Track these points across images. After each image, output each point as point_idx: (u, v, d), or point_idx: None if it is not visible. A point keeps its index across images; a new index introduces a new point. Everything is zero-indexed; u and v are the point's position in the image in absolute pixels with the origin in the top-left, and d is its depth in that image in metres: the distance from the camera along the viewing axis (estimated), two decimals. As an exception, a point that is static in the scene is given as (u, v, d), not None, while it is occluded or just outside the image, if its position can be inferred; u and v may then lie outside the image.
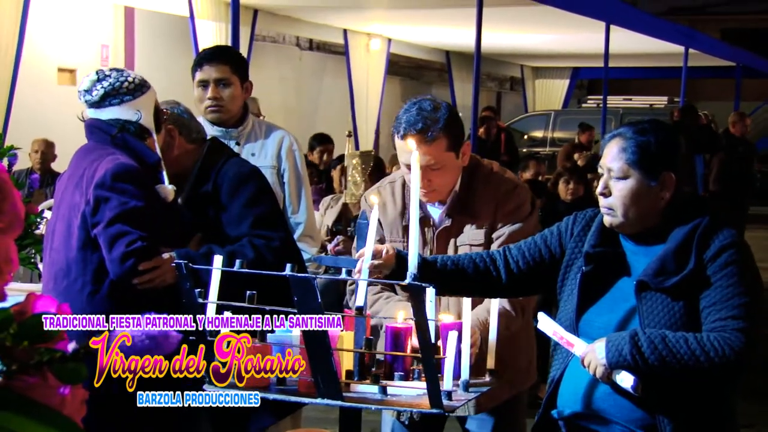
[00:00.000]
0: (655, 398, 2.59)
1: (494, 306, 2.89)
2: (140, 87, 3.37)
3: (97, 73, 3.36)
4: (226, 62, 4.16)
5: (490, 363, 2.84)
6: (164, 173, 3.41)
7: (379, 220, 3.32)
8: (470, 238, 3.27)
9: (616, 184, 2.65)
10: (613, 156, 2.66)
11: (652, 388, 2.57)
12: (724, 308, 2.53)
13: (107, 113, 3.36)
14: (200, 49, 9.17)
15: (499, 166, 3.43)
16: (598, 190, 2.69)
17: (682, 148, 2.71)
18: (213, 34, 9.54)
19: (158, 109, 3.45)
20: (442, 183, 3.23)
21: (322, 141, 9.99)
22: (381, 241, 3.31)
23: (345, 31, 12.98)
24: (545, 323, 2.75)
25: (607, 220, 2.70)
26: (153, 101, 3.42)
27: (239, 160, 3.70)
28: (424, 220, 3.31)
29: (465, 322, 2.70)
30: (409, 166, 3.16)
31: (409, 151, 3.09)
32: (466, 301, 2.74)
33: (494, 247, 3.21)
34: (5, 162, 4.71)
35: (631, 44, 13.75)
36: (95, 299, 3.25)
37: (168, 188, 3.38)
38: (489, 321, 2.94)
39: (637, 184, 2.63)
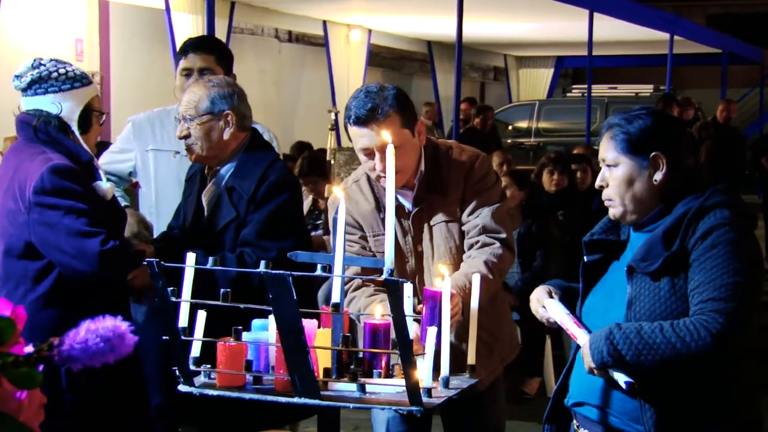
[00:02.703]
0: (644, 390, 2.58)
1: (474, 303, 2.82)
2: (72, 80, 3.26)
3: (34, 60, 3.25)
4: (212, 52, 4.15)
5: (471, 359, 2.79)
6: (100, 171, 3.31)
7: (357, 220, 3.36)
8: (444, 215, 3.30)
9: (611, 173, 2.72)
10: (605, 147, 2.74)
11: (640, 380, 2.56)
12: (707, 290, 2.50)
13: (31, 102, 3.26)
14: (177, 42, 9.12)
15: (457, 144, 3.45)
16: (597, 183, 2.76)
17: (673, 130, 2.73)
18: (190, 26, 9.48)
19: (90, 109, 3.32)
20: (404, 164, 3.21)
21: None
22: (363, 238, 3.37)
23: (324, 22, 12.91)
24: (553, 309, 2.79)
25: (611, 212, 2.76)
26: (87, 98, 3.30)
27: (284, 165, 3.71)
28: (399, 210, 3.30)
29: (444, 318, 2.62)
30: (365, 152, 3.21)
31: (363, 137, 3.17)
32: (445, 297, 2.65)
33: (465, 215, 3.28)
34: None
35: (616, 32, 13.70)
36: (38, 303, 3.18)
37: (106, 186, 3.28)
38: (468, 286, 2.98)
39: (628, 168, 2.68)
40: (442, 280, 2.67)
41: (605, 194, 2.73)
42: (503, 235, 3.27)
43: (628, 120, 2.70)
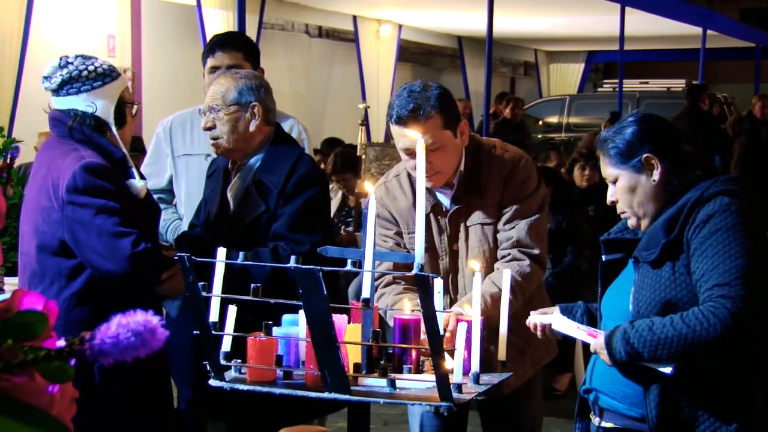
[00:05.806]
0: (648, 378, 2.61)
1: (504, 298, 2.81)
2: (102, 76, 3.22)
3: (60, 59, 3.22)
4: (239, 49, 4.12)
5: (501, 355, 2.79)
6: (133, 169, 3.29)
7: (393, 215, 3.34)
8: (480, 217, 3.26)
9: (616, 189, 2.77)
10: (603, 166, 2.80)
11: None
12: (711, 277, 2.52)
13: (64, 102, 3.23)
14: (208, 38, 9.13)
15: (501, 143, 3.40)
16: (608, 200, 2.80)
17: (661, 128, 2.75)
18: (221, 22, 9.47)
19: (123, 102, 3.30)
20: (444, 164, 3.19)
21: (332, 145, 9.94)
22: (398, 234, 3.31)
23: (354, 17, 12.89)
24: (560, 323, 2.81)
25: (629, 223, 2.80)
26: (118, 92, 3.27)
27: (311, 159, 3.70)
28: (437, 208, 3.29)
29: (475, 315, 2.64)
30: (406, 152, 3.17)
31: (405, 136, 3.13)
32: (476, 294, 2.67)
33: (501, 223, 3.23)
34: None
35: (647, 26, 13.57)
36: (72, 301, 3.18)
37: (139, 184, 3.26)
38: (488, 304, 2.98)
39: (627, 179, 2.73)
40: (472, 274, 2.65)
41: (618, 209, 2.78)
42: (536, 252, 3.23)
43: (615, 133, 2.74)
